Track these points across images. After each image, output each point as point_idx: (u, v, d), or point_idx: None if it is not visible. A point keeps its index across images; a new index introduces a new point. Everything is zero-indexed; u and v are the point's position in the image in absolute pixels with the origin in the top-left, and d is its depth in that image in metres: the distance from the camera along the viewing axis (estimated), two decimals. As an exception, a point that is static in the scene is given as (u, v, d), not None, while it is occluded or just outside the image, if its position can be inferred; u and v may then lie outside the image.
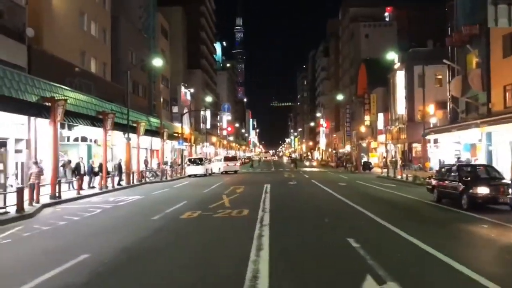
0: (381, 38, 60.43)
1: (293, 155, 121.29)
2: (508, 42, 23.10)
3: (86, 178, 21.80)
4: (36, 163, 16.37)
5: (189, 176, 35.58)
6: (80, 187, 19.73)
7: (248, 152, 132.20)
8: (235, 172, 41.49)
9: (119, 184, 24.41)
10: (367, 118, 53.92)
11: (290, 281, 5.97)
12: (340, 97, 62.89)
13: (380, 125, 50.27)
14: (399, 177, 29.88)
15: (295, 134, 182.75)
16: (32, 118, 19.38)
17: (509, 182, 13.14)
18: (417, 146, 41.23)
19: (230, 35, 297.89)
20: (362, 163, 46.00)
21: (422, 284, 5.87)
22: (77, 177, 20.16)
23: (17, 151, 19.54)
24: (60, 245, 8.94)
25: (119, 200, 17.49)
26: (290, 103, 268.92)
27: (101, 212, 14.06)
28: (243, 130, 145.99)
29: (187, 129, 48.68)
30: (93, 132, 25.42)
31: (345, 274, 6.30)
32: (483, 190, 12.80)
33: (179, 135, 41.17)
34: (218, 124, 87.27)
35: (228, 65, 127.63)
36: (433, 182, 16.08)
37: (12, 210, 12.98)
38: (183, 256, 7.74)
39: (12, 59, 19.76)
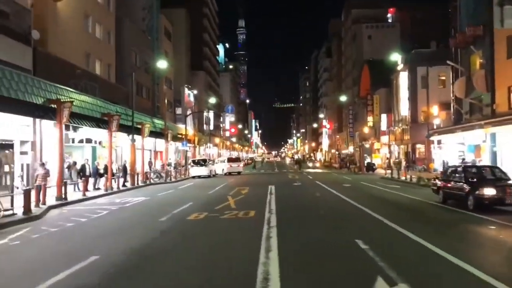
0: (384, 40, 60.45)
1: (296, 156, 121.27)
2: (512, 43, 23.09)
3: (91, 180, 21.88)
4: (42, 164, 16.45)
5: (193, 177, 35.62)
6: (86, 189, 19.80)
7: (250, 153, 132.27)
8: (239, 173, 41.53)
9: (124, 185, 24.47)
10: (370, 119, 53.88)
11: (301, 282, 5.99)
12: (343, 98, 62.87)
13: (383, 126, 50.25)
14: (403, 178, 29.85)
15: (298, 135, 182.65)
16: (38, 120, 19.49)
17: (516, 183, 13.13)
18: (420, 147, 41.22)
19: (232, 36, 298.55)
20: (366, 164, 46.00)
21: (433, 286, 5.88)
22: (83, 178, 20.22)
23: (22, 153, 19.65)
24: (70, 246, 8.98)
25: (125, 202, 17.55)
26: (292, 104, 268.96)
27: (108, 213, 14.11)
28: (246, 131, 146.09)
29: (191, 131, 48.76)
30: (98, 134, 25.52)
31: (356, 275, 6.32)
32: (489, 191, 12.78)
33: (183, 137, 41.25)
34: (221, 126, 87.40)
35: (230, 66, 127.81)
36: (439, 183, 16.08)
37: (19, 211, 13.05)
38: (191, 257, 7.75)
39: (18, 61, 19.86)
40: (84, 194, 19.06)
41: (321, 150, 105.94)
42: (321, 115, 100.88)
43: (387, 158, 47.57)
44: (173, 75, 54.46)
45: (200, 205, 15.62)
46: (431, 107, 33.49)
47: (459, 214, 12.83)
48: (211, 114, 66.48)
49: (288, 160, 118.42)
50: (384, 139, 50.81)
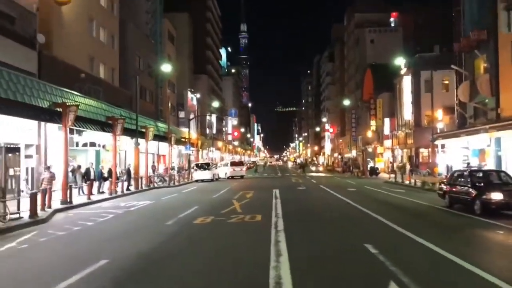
0: (386, 44, 60.46)
1: (298, 160, 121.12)
2: (517, 47, 23.05)
3: (95, 184, 21.88)
4: (48, 168, 16.50)
5: (196, 181, 35.61)
6: (90, 192, 19.80)
7: (253, 157, 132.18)
8: (242, 177, 41.49)
9: (128, 189, 24.48)
10: (373, 123, 53.84)
11: (315, 287, 5.96)
12: (346, 102, 62.85)
13: (387, 130, 50.19)
14: (407, 182, 29.79)
15: (300, 139, 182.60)
16: (42, 124, 19.53)
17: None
18: (423, 151, 41.12)
19: (234, 37, 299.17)
20: (369, 168, 45.91)
21: (446, 291, 5.85)
22: (88, 182, 20.23)
23: (27, 156, 19.66)
24: (78, 250, 8.98)
25: (130, 205, 17.53)
26: (294, 108, 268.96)
27: (114, 217, 14.10)
28: (248, 135, 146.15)
29: (194, 134, 48.79)
30: (102, 137, 25.55)
31: (368, 280, 6.29)
32: (496, 196, 12.74)
33: (186, 140, 41.26)
34: (224, 129, 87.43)
35: (233, 70, 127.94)
36: (445, 187, 16.04)
37: (25, 215, 13.06)
38: (199, 261, 7.71)
39: (23, 65, 19.92)
40: (89, 198, 19.08)
41: (324, 154, 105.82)
42: (324, 119, 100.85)
43: (391, 162, 47.47)
44: (176, 79, 54.57)
45: (205, 209, 15.60)
46: (435, 111, 33.41)
47: (466, 218, 12.78)
48: (213, 118, 66.54)
49: (290, 164, 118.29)
50: (387, 143, 50.73)
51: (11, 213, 12.44)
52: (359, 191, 24.05)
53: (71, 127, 18.77)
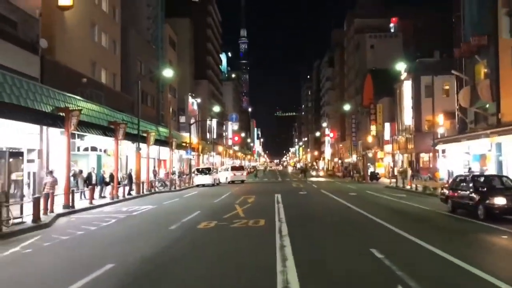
0: (387, 49, 60.61)
1: (298, 165, 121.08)
2: (517, 52, 23.15)
3: (97, 188, 21.85)
4: (50, 172, 16.48)
5: (197, 185, 35.59)
6: (92, 197, 19.78)
7: (253, 162, 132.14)
8: (242, 181, 41.46)
9: (129, 194, 24.46)
10: (373, 128, 53.91)
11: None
12: (347, 107, 62.96)
13: (387, 135, 50.25)
14: (408, 187, 29.79)
15: (300, 143, 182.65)
16: (44, 128, 19.54)
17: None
18: (424, 156, 41.16)
19: (234, 45, 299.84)
20: (370, 173, 45.92)
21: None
22: (89, 187, 20.22)
23: (29, 161, 19.67)
24: (82, 255, 8.97)
25: (132, 210, 17.52)
26: (294, 113, 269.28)
27: (116, 222, 14.08)
28: (248, 140, 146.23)
29: (194, 139, 48.82)
30: (103, 142, 25.56)
31: (377, 285, 6.31)
32: (500, 201, 12.74)
33: (187, 145, 41.27)
34: (224, 134, 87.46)
35: (233, 75, 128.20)
36: (447, 192, 16.05)
37: (27, 219, 13.05)
38: (201, 266, 7.69)
39: (25, 69, 19.98)
40: (90, 202, 19.06)
41: (323, 159, 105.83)
42: (324, 124, 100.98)
43: (392, 167, 47.47)
44: (177, 83, 54.71)
45: (208, 213, 15.59)
46: (436, 116, 33.49)
47: (470, 223, 12.78)
48: (214, 123, 66.62)
49: (290, 169, 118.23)
50: (388, 148, 50.77)
51: (14, 218, 12.44)
52: (360, 196, 24.05)
53: (74, 131, 18.79)
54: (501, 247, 9.54)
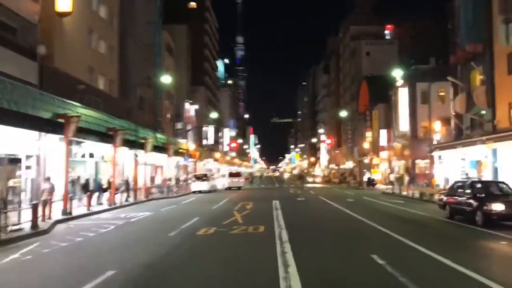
0: (382, 56, 60.97)
1: (294, 171, 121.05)
2: (513, 59, 23.39)
3: (94, 195, 21.77)
4: (48, 179, 16.44)
5: (194, 192, 35.52)
6: (90, 204, 19.71)
7: (249, 168, 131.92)
8: (239, 188, 41.44)
9: (126, 200, 24.39)
10: (369, 134, 54.09)
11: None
12: (343, 113, 63.18)
13: (383, 141, 50.42)
14: (404, 193, 29.88)
15: (297, 150, 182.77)
16: (43, 134, 19.46)
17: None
18: (420, 162, 41.31)
19: (231, 52, 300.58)
20: (366, 180, 46.02)
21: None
22: (88, 193, 20.15)
23: (27, 167, 19.57)
24: (82, 261, 8.94)
25: (130, 216, 17.47)
26: (290, 119, 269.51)
27: (115, 228, 14.04)
28: (245, 146, 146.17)
29: (192, 145, 48.78)
30: (100, 149, 25.46)
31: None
32: (498, 207, 12.82)
33: (184, 151, 41.22)
34: (220, 140, 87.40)
35: (230, 82, 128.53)
36: (445, 198, 16.12)
37: (25, 226, 12.99)
38: (203, 273, 7.69)
39: (24, 76, 19.92)
40: (88, 209, 19.01)
41: (319, 165, 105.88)
42: (321, 130, 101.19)
43: (388, 173, 47.57)
44: (174, 90, 54.72)
45: (206, 220, 15.57)
46: (432, 123, 33.68)
47: (468, 229, 12.85)
48: (211, 129, 66.62)
49: (286, 175, 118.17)
50: (383, 154, 50.92)
51: (12, 224, 12.39)
52: (358, 202, 24.10)
53: (72, 138, 18.75)
54: (500, 253, 9.60)
